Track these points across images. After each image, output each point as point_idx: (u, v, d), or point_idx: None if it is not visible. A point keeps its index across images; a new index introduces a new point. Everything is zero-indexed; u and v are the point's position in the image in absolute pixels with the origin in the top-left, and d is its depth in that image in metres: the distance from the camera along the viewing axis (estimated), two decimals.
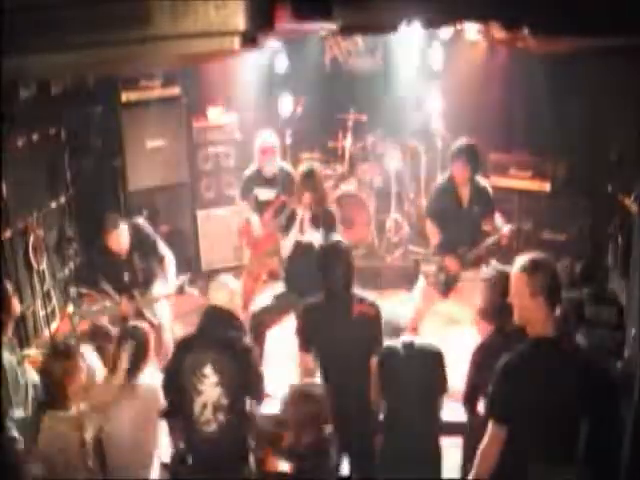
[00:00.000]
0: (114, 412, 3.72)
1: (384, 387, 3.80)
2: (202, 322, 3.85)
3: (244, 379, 3.73)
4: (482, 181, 5.51)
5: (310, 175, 5.16)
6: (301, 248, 5.22)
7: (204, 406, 3.69)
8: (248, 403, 3.85)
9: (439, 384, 3.79)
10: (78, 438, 3.49)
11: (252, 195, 5.95)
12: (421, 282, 5.60)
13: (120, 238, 5.07)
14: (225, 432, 3.71)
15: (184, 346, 3.85)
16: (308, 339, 3.96)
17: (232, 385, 3.69)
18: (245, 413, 3.82)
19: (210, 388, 3.68)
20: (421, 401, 3.69)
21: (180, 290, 5.18)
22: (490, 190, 5.53)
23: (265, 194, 5.91)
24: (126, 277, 5.19)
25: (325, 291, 3.97)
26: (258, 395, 3.90)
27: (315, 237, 5.06)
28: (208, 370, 3.68)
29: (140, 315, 5.10)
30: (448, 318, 6.32)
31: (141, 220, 5.44)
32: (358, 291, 4.01)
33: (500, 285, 3.53)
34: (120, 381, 3.74)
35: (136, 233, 5.22)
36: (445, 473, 3.88)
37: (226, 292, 3.86)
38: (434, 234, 5.56)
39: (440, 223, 5.50)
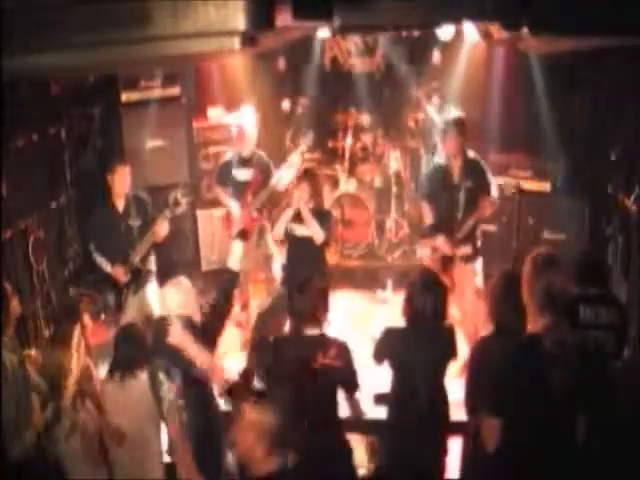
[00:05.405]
0: (115, 408, 3.75)
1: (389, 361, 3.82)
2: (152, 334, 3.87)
3: None
4: (472, 153, 5.45)
5: (310, 171, 5.49)
6: (298, 243, 5.28)
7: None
8: None
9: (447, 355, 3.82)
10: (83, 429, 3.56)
11: (229, 180, 5.97)
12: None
13: (125, 176, 5.41)
14: None
15: None
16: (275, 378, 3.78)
17: None
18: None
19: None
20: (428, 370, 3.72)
21: (176, 202, 5.34)
22: (483, 163, 5.46)
23: (243, 174, 5.95)
24: (122, 228, 5.38)
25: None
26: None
27: (301, 230, 5.23)
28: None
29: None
30: None
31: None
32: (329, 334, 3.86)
33: (503, 284, 3.53)
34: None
35: (134, 196, 5.53)
36: (445, 473, 3.88)
37: (182, 294, 3.75)
38: (427, 214, 5.54)
39: (433, 201, 5.47)
